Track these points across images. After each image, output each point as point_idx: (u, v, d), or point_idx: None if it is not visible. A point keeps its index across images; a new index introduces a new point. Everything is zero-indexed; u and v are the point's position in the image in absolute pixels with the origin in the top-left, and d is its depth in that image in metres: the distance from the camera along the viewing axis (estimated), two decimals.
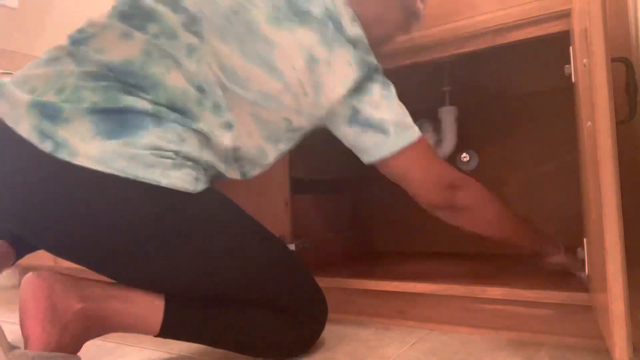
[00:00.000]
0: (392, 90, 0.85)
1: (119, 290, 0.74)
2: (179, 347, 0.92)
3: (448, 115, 1.29)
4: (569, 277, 0.93)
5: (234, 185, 1.18)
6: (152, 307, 0.75)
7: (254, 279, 0.78)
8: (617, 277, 0.53)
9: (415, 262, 1.25)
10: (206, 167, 0.77)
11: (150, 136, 0.69)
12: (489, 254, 1.34)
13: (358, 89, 0.81)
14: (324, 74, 0.80)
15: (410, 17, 0.95)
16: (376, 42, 0.91)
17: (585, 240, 0.81)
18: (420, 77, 1.42)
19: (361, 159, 0.87)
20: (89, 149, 0.66)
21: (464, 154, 1.37)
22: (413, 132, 0.84)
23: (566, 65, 0.84)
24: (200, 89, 0.74)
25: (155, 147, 0.69)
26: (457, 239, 1.41)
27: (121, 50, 0.72)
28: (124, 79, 0.71)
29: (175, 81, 0.73)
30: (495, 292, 0.90)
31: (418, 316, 0.98)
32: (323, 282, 1.09)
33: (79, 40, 0.74)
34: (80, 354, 0.72)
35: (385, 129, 0.82)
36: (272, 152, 0.85)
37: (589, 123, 0.61)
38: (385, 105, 0.82)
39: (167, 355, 0.89)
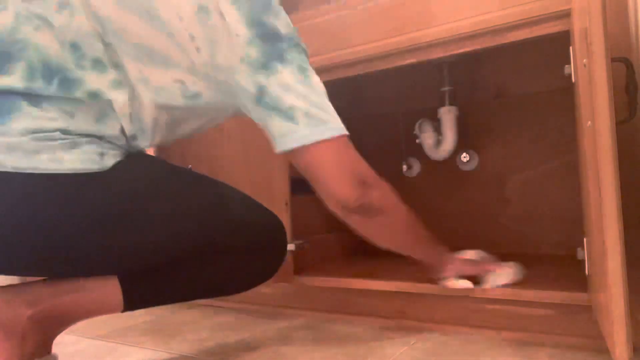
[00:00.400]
0: (312, 76, 0.74)
1: (68, 282, 0.71)
2: (178, 347, 0.92)
3: (448, 115, 1.29)
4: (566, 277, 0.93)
5: (233, 185, 1.18)
6: (107, 286, 0.72)
7: (194, 237, 0.73)
8: (617, 277, 0.53)
9: (415, 262, 1.25)
10: (113, 140, 0.69)
11: (24, 119, 0.62)
12: (489, 254, 1.34)
13: (264, 65, 0.70)
14: (219, 29, 0.69)
15: None
16: None
17: (585, 240, 0.81)
18: (420, 77, 1.42)
19: (274, 147, 0.76)
20: None
21: (464, 154, 1.37)
22: (329, 128, 0.72)
23: (566, 65, 0.84)
24: (75, 47, 0.66)
25: (34, 129, 0.61)
26: (456, 239, 1.41)
27: None
28: None
29: (45, 40, 0.65)
30: (495, 292, 0.90)
31: (418, 316, 0.98)
32: (323, 282, 1.09)
33: None
34: (80, 353, 0.72)
35: (292, 117, 0.70)
36: (164, 118, 0.73)
37: (589, 123, 0.61)
38: (298, 91, 0.71)
39: (167, 355, 0.89)
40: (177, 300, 0.80)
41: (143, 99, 0.70)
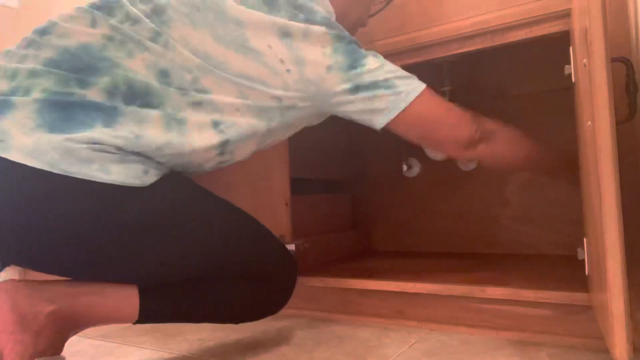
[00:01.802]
0: (379, 56, 0.84)
1: (89, 285, 0.73)
2: (178, 347, 0.92)
3: None
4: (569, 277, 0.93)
5: (234, 185, 1.18)
6: (126, 295, 0.74)
7: (218, 258, 0.77)
8: (617, 277, 0.53)
9: (415, 262, 1.25)
10: (161, 161, 0.74)
11: (93, 133, 0.67)
12: (489, 254, 1.34)
13: (352, 65, 0.80)
14: (302, 47, 0.79)
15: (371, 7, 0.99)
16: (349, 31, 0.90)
17: (585, 240, 0.81)
18: (420, 77, 1.42)
19: (375, 126, 0.84)
20: (26, 140, 0.64)
21: None
22: (419, 82, 0.84)
23: (566, 65, 0.84)
24: (164, 74, 0.73)
25: (95, 141, 0.67)
26: (456, 239, 1.41)
27: (83, 35, 0.72)
28: (79, 65, 0.70)
29: (135, 66, 0.72)
30: (495, 292, 0.90)
31: (418, 316, 0.98)
32: (323, 282, 1.09)
33: (44, 30, 0.73)
34: (80, 353, 0.72)
35: (392, 85, 0.81)
36: (262, 129, 0.82)
37: (589, 123, 0.61)
38: (383, 69, 0.81)
39: (167, 355, 0.89)
40: (188, 320, 0.82)
41: (241, 110, 0.78)
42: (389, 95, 0.81)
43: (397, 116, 0.82)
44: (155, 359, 0.88)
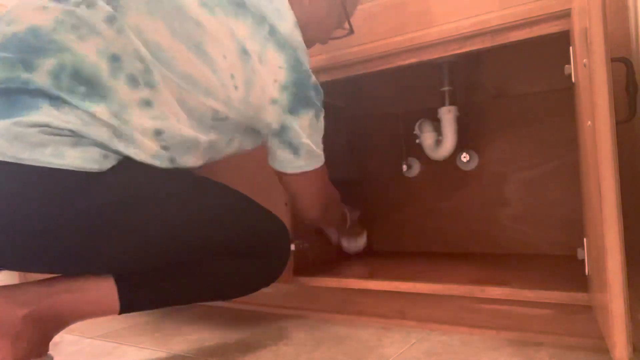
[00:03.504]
0: (321, 120, 0.88)
1: (65, 282, 0.71)
2: (179, 347, 0.92)
3: (448, 115, 1.29)
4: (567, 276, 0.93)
5: (233, 184, 1.18)
6: (104, 288, 0.72)
7: (195, 239, 0.74)
8: (617, 277, 0.53)
9: (415, 262, 1.25)
10: (117, 152, 0.69)
11: (41, 115, 0.62)
12: (489, 254, 1.34)
13: (293, 110, 0.82)
14: (256, 71, 0.78)
15: (341, 24, 1.01)
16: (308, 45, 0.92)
17: (585, 240, 0.81)
18: (420, 77, 1.42)
19: (269, 161, 0.91)
20: None
21: (464, 154, 1.37)
22: (318, 160, 0.89)
23: (566, 65, 0.84)
24: (115, 59, 0.68)
25: (45, 124, 0.62)
26: (456, 239, 1.41)
27: (33, 19, 0.67)
28: (26, 48, 0.65)
29: (85, 49, 0.66)
30: (495, 292, 0.90)
31: (418, 316, 0.98)
32: (323, 282, 1.09)
33: None
34: (80, 353, 0.72)
35: (298, 151, 0.85)
36: (204, 140, 0.77)
37: (589, 123, 0.61)
38: (308, 134, 0.85)
39: (166, 355, 0.89)
40: (176, 303, 0.80)
41: (179, 118, 0.73)
42: (288, 157, 0.86)
43: (280, 172, 0.89)
44: (154, 359, 0.88)
